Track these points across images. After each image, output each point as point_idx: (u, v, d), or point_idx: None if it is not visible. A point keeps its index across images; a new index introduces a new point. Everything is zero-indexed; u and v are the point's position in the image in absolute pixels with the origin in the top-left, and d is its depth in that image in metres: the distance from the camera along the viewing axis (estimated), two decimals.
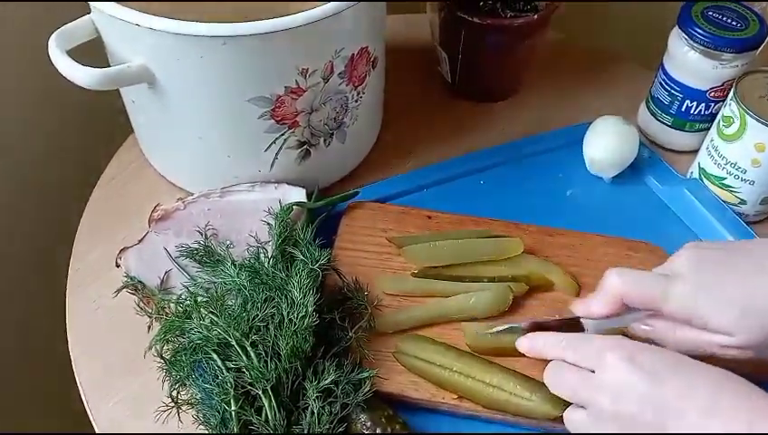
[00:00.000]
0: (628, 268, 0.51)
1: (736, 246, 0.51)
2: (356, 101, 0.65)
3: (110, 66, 0.58)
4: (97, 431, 0.56)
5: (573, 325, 0.54)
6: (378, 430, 0.51)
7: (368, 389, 0.51)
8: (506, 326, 0.55)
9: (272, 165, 0.64)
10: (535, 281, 0.60)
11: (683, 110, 0.73)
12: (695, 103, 0.72)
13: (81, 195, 0.72)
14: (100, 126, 0.78)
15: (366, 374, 0.52)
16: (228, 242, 0.61)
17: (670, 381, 0.44)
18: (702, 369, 0.45)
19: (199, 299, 0.54)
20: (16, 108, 0.80)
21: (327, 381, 0.50)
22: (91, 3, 0.56)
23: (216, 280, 0.56)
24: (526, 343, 0.53)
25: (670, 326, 0.50)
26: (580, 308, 0.53)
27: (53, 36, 0.57)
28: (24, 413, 0.96)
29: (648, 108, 0.77)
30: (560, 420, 0.50)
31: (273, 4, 0.60)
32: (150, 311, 0.56)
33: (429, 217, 0.66)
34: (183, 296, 0.56)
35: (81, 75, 0.56)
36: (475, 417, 0.54)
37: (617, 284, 0.50)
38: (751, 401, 0.43)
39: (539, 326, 0.54)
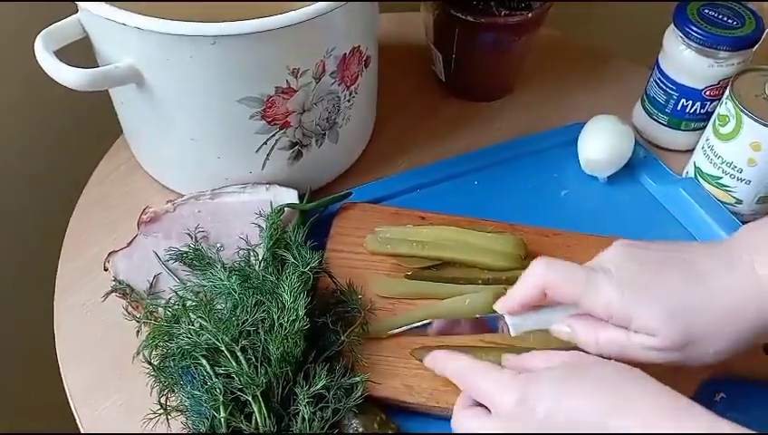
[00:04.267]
0: (556, 258, 0.49)
1: (671, 247, 0.49)
2: (348, 101, 0.65)
3: (98, 66, 0.58)
4: None
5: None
6: None
7: (360, 393, 0.51)
8: (413, 326, 0.55)
9: (263, 166, 0.64)
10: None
11: (678, 108, 0.72)
12: (690, 102, 0.71)
13: (71, 197, 0.71)
14: (91, 127, 0.77)
15: (358, 379, 0.52)
16: (218, 245, 0.60)
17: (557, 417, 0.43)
18: (600, 371, 0.44)
19: (188, 303, 0.53)
20: (5, 108, 0.79)
21: (318, 386, 0.50)
22: (78, 2, 0.55)
23: (205, 283, 0.55)
24: (430, 362, 0.53)
25: (591, 328, 0.48)
26: (499, 304, 0.51)
27: (40, 36, 0.56)
28: (11, 417, 0.95)
29: (644, 107, 0.76)
30: None
31: (264, 4, 0.59)
32: (139, 315, 0.55)
33: (423, 218, 0.65)
34: (172, 301, 0.55)
35: (68, 76, 0.55)
36: None
37: (540, 271, 0.48)
38: (656, 399, 0.42)
39: (451, 325, 0.54)
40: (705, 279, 0.46)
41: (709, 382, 0.54)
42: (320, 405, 0.49)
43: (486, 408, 0.47)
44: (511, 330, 0.51)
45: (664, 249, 0.49)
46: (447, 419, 0.54)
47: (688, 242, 0.56)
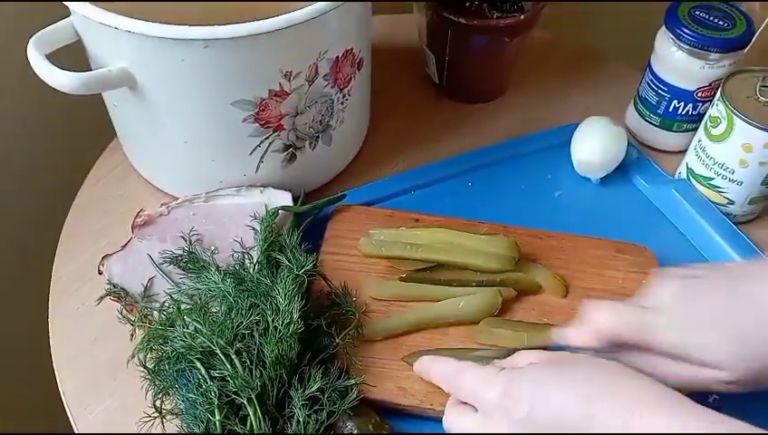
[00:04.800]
0: (614, 303, 0.50)
1: (717, 273, 0.49)
2: (342, 104, 0.65)
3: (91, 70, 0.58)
4: None
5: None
6: None
7: (354, 396, 0.51)
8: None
9: (257, 169, 0.64)
10: (524, 285, 0.60)
11: (670, 110, 0.73)
12: (682, 103, 0.72)
13: (65, 200, 0.71)
14: (85, 130, 0.77)
15: (353, 381, 0.52)
16: (213, 248, 0.60)
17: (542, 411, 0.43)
18: (584, 365, 0.45)
19: (183, 307, 0.53)
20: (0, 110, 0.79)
21: (313, 389, 0.50)
22: (70, 5, 0.55)
23: (200, 287, 0.55)
24: (417, 368, 0.53)
25: (652, 361, 0.48)
26: (560, 335, 0.51)
27: (32, 40, 0.56)
28: (6, 420, 0.95)
29: (636, 108, 0.77)
30: None
31: (257, 6, 0.59)
32: (134, 319, 0.55)
33: (417, 220, 0.65)
34: (166, 304, 0.55)
35: (60, 79, 0.55)
36: None
37: (608, 320, 0.48)
38: (639, 386, 0.42)
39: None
40: (753, 298, 0.46)
41: None
42: (314, 408, 0.50)
43: (474, 407, 0.48)
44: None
45: (712, 276, 0.49)
46: (441, 420, 0.54)
47: (733, 263, 0.57)
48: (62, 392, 0.57)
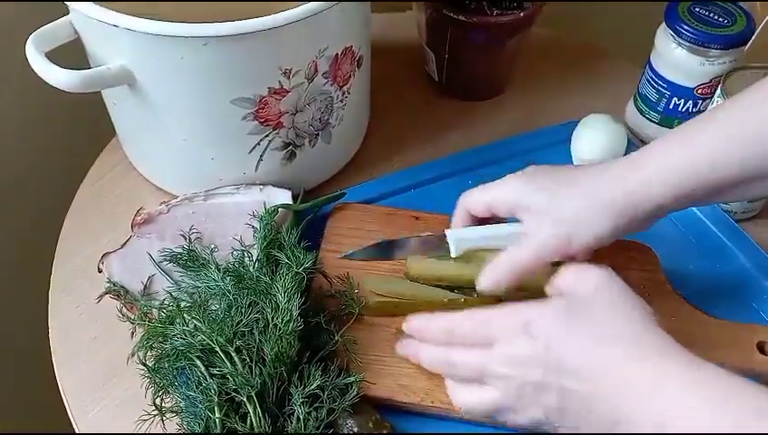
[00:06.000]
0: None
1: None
2: (341, 102, 0.65)
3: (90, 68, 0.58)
4: None
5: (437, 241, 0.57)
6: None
7: (354, 393, 0.51)
8: (369, 245, 0.58)
9: (256, 167, 0.64)
10: (525, 287, 0.59)
11: (671, 107, 0.73)
12: (682, 100, 0.72)
13: (65, 198, 0.71)
14: (85, 128, 0.77)
15: (352, 379, 0.52)
16: (212, 246, 0.60)
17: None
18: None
19: (183, 304, 0.53)
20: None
21: (313, 387, 0.50)
22: (68, 3, 0.55)
23: (199, 285, 0.55)
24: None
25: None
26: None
27: (31, 38, 0.56)
28: (6, 418, 0.95)
29: (636, 105, 0.76)
30: None
31: (257, 4, 0.59)
32: (133, 317, 0.55)
33: (417, 218, 0.65)
34: (166, 302, 0.55)
35: (59, 77, 0.55)
36: (464, 420, 0.54)
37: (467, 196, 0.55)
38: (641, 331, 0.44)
39: (398, 243, 0.58)
40: (578, 182, 0.52)
41: None
42: (314, 405, 0.49)
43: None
44: (452, 248, 0.55)
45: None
46: (442, 418, 0.54)
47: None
48: (61, 390, 0.57)
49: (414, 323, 0.53)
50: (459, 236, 0.56)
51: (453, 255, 0.55)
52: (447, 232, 0.56)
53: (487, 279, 0.53)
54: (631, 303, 0.46)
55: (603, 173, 0.51)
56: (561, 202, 0.51)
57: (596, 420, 0.43)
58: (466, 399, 0.50)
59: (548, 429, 0.47)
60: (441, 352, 0.50)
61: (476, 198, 0.56)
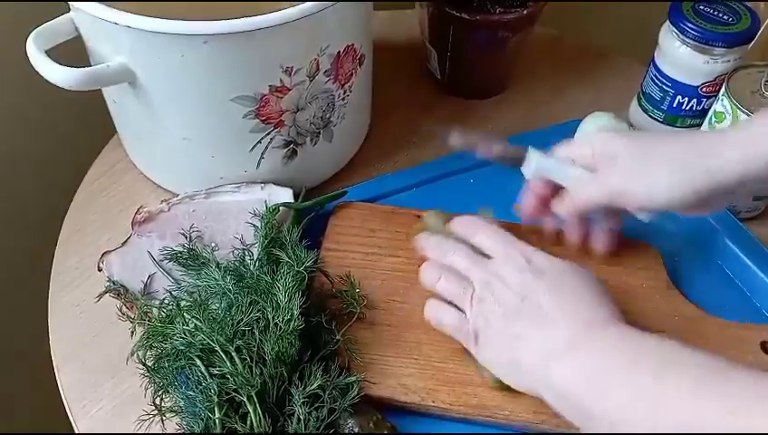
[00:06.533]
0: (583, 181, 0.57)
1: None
2: (343, 100, 0.64)
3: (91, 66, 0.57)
4: None
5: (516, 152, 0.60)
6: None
7: (355, 393, 0.50)
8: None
9: (258, 165, 0.63)
10: None
11: (674, 105, 0.72)
12: (686, 99, 0.71)
13: (65, 196, 0.70)
14: (85, 126, 0.77)
15: (353, 378, 0.51)
16: (213, 244, 0.60)
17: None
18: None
19: (183, 304, 0.53)
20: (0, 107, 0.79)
21: (314, 386, 0.49)
22: (70, 1, 0.55)
23: (200, 284, 0.55)
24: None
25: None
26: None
27: (32, 35, 0.56)
28: (6, 418, 0.95)
29: (640, 104, 0.76)
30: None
31: (260, 4, 0.58)
32: (133, 316, 0.55)
33: (418, 217, 0.65)
34: (166, 301, 0.54)
35: (59, 75, 0.54)
36: (466, 420, 0.53)
37: (587, 198, 0.57)
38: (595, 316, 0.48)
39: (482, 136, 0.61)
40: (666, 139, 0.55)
41: None
42: (315, 405, 0.49)
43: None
44: (531, 165, 0.59)
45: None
46: (444, 418, 0.54)
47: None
48: (61, 389, 0.57)
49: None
50: (539, 157, 0.58)
51: (527, 175, 0.59)
52: (531, 148, 0.59)
53: (563, 206, 0.58)
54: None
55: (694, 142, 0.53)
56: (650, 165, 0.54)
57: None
58: (439, 313, 0.54)
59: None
60: (447, 246, 0.55)
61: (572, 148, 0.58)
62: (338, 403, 0.50)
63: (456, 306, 0.53)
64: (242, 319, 0.51)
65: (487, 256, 0.54)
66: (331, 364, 0.52)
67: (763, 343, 0.56)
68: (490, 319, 0.50)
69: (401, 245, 0.62)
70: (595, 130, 0.70)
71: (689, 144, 0.53)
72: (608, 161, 0.55)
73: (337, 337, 0.54)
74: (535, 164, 0.58)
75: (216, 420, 0.47)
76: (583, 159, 0.57)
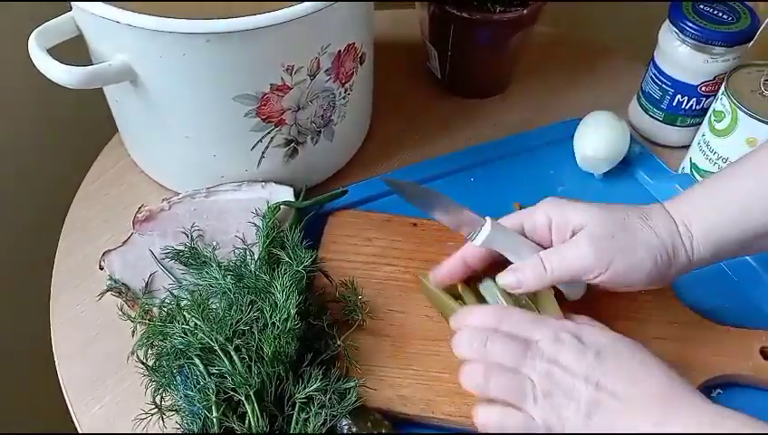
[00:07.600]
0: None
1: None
2: (344, 99, 0.64)
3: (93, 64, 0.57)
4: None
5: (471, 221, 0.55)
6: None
7: (353, 399, 0.50)
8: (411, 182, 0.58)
9: (258, 164, 0.63)
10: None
11: (674, 104, 0.72)
12: (686, 98, 0.71)
13: (66, 195, 0.71)
14: (86, 125, 0.77)
15: (352, 383, 0.51)
16: (214, 243, 0.60)
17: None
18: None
19: (183, 303, 0.53)
20: (1, 106, 0.78)
21: (312, 389, 0.49)
22: (71, 0, 0.55)
23: (200, 283, 0.55)
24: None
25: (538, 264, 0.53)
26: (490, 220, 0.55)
27: (33, 34, 0.56)
28: (8, 417, 0.95)
29: (639, 103, 0.76)
30: None
31: (262, 3, 0.58)
32: (134, 315, 0.55)
33: (415, 225, 0.64)
34: (167, 300, 0.54)
35: (61, 74, 0.54)
36: (467, 431, 0.52)
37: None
38: (668, 390, 0.45)
39: (439, 199, 0.57)
40: (632, 230, 0.52)
41: (707, 385, 0.55)
42: (314, 411, 0.49)
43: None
44: (480, 236, 0.54)
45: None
46: (443, 428, 0.53)
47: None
48: (63, 388, 0.57)
49: (462, 312, 0.53)
50: (493, 231, 0.54)
51: (477, 243, 0.54)
52: (488, 219, 0.54)
53: (513, 275, 0.53)
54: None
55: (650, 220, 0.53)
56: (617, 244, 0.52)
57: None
58: (501, 418, 0.48)
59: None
60: (480, 336, 0.49)
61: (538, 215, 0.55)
62: (335, 409, 0.49)
63: (506, 402, 0.48)
64: (241, 318, 0.51)
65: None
66: (332, 368, 0.52)
67: (763, 348, 0.56)
68: (564, 414, 0.46)
69: (397, 253, 0.62)
70: (595, 130, 0.70)
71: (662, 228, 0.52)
72: (571, 234, 0.53)
73: (338, 342, 0.53)
74: (483, 237, 0.54)
75: (214, 419, 0.47)
76: (540, 230, 0.54)
